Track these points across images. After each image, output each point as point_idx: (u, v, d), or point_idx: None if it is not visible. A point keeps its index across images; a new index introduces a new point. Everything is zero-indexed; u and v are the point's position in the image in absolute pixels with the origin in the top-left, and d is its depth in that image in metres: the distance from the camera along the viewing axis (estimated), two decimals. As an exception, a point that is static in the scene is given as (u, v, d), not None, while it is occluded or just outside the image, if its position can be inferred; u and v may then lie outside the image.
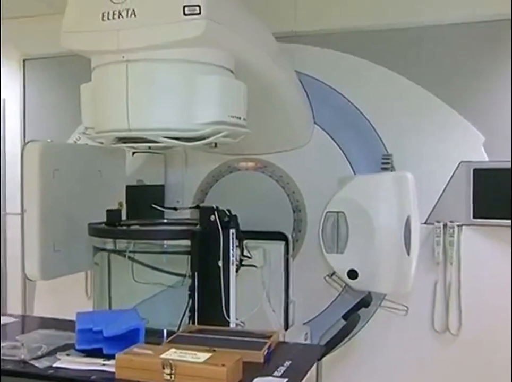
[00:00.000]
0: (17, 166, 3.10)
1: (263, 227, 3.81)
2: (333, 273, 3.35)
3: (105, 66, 2.52)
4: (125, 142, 2.69)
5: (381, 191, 3.14)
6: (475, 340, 3.55)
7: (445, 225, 3.58)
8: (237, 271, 2.91)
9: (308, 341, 3.73)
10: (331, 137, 3.82)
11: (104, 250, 2.89)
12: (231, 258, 2.77)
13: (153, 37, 2.37)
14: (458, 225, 3.57)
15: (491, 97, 3.53)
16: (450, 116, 3.59)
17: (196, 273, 2.72)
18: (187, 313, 2.74)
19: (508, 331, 3.45)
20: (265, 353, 2.10)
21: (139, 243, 2.88)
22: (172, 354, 1.93)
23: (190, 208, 3.15)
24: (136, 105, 2.44)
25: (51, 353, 2.12)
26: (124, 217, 3.48)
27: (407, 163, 3.64)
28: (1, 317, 2.60)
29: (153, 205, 3.08)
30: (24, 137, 4.35)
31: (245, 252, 2.94)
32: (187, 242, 2.74)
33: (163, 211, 3.75)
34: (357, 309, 3.15)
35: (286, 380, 1.92)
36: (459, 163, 3.58)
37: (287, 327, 3.81)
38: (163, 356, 1.90)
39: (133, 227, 3.06)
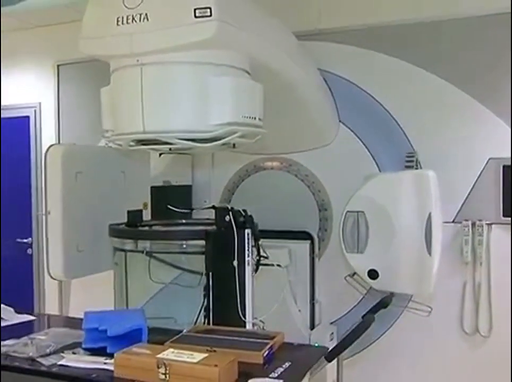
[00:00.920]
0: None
1: (288, 226, 3.81)
2: (354, 273, 3.31)
3: (121, 70, 2.59)
4: (144, 145, 2.75)
5: (401, 190, 3.08)
6: (506, 343, 3.44)
7: (473, 224, 3.49)
8: (256, 271, 2.93)
9: (334, 341, 3.70)
10: (356, 135, 3.78)
11: (122, 250, 2.94)
12: (246, 258, 2.78)
13: (165, 41, 2.41)
14: (487, 224, 3.47)
15: (522, 92, 3.42)
16: (478, 112, 3.50)
17: (210, 273, 2.75)
18: (202, 313, 2.78)
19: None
20: (265, 354, 2.11)
21: (157, 243, 2.92)
22: (169, 354, 1.96)
23: (205, 208, 3.17)
24: (151, 108, 2.49)
25: (59, 351, 2.19)
26: (148, 217, 3.56)
27: (434, 160, 3.55)
28: (19, 315, 2.70)
29: (169, 206, 3.11)
30: (59, 139, 4.50)
31: (262, 253, 2.93)
32: (204, 242, 2.77)
33: (190, 212, 3.82)
34: (376, 310, 3.10)
35: (281, 381, 1.92)
36: (488, 160, 3.48)
37: (312, 326, 3.80)
38: (159, 356, 1.93)
39: (150, 228, 3.11)
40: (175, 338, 2.24)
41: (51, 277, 3.12)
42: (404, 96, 3.67)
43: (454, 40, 3.56)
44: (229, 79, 2.55)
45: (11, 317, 2.73)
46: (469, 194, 3.53)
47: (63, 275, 3.10)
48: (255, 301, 2.98)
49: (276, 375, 1.98)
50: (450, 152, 3.56)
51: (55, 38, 4.38)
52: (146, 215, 3.54)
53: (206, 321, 2.74)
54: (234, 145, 2.87)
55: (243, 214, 2.82)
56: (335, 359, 3.21)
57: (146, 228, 3.08)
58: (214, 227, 2.83)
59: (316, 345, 2.83)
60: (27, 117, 4.63)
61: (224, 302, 2.73)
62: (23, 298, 4.68)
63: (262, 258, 2.94)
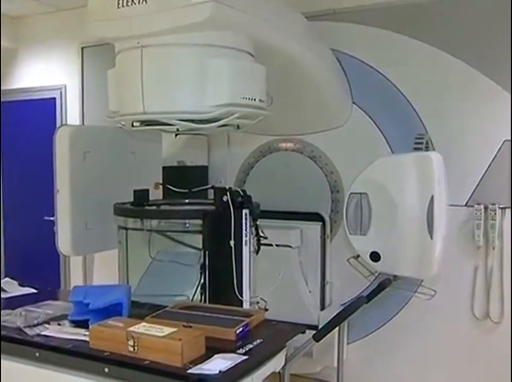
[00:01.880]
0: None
1: (301, 207, 3.83)
2: (358, 255, 3.29)
3: (124, 52, 2.67)
4: (147, 125, 2.82)
5: (404, 172, 3.03)
6: (517, 329, 3.38)
7: (486, 208, 3.41)
8: (257, 252, 2.96)
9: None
10: (370, 117, 3.75)
11: (124, 228, 3.03)
12: (244, 238, 2.81)
13: (163, 23, 2.47)
14: (501, 208, 3.39)
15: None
16: (494, 92, 3.40)
17: (207, 252, 2.80)
18: (199, 290, 2.84)
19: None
20: (239, 330, 2.15)
21: (158, 222, 2.99)
22: (140, 327, 2.03)
23: (204, 188, 3.23)
24: (151, 89, 2.56)
25: (46, 322, 2.29)
26: (160, 197, 3.64)
27: (448, 143, 3.50)
28: (22, 288, 2.83)
29: (168, 186, 3.17)
30: (83, 121, 4.63)
31: (260, 233, 2.95)
32: (203, 222, 2.82)
33: (206, 191, 3.87)
34: (377, 292, 3.07)
35: (246, 357, 1.96)
36: (503, 142, 3.39)
37: (323, 307, 3.82)
38: (130, 329, 2.00)
39: (158, 207, 3.18)
40: (155, 313, 2.30)
41: (60, 252, 3.24)
42: (419, 78, 3.60)
43: (472, 20, 3.45)
44: (227, 60, 2.58)
45: (14, 289, 2.86)
46: (482, 177, 3.45)
47: (71, 251, 3.22)
48: (261, 280, 3.04)
49: (244, 351, 2.02)
50: (464, 134, 3.49)
51: (79, 21, 4.48)
52: (158, 195, 3.63)
53: (202, 298, 2.80)
54: (238, 126, 2.91)
55: (241, 194, 2.85)
56: (336, 343, 3.25)
57: (154, 207, 3.17)
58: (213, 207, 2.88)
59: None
60: (54, 99, 4.79)
61: (221, 281, 2.78)
62: (51, 273, 4.88)
63: (262, 239, 2.97)
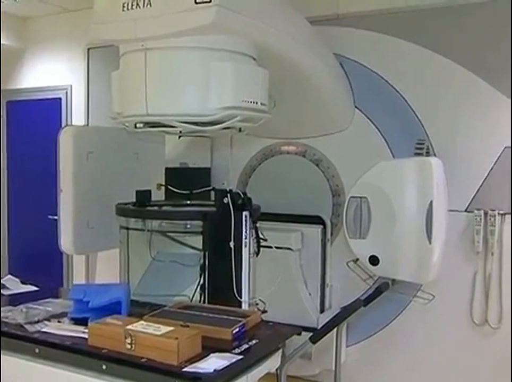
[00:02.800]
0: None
1: (302, 210, 3.86)
2: (357, 259, 3.32)
3: (128, 54, 2.70)
4: (151, 127, 2.85)
5: (403, 177, 3.06)
6: (515, 336, 3.39)
7: (486, 214, 3.43)
8: (257, 254, 2.99)
9: (341, 326, 3.72)
10: (371, 121, 3.77)
11: (125, 228, 3.06)
12: (243, 240, 2.84)
13: (167, 26, 2.50)
14: (500, 214, 3.41)
15: (539, 79, 3.32)
16: (494, 98, 3.42)
17: (207, 253, 2.83)
18: (199, 291, 2.87)
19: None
20: (235, 331, 2.17)
21: (158, 222, 3.02)
22: (138, 326, 2.06)
23: (204, 190, 3.26)
24: (154, 91, 2.59)
25: (46, 319, 2.33)
26: (162, 198, 3.67)
27: (449, 148, 3.52)
28: (24, 286, 2.87)
29: (170, 187, 3.20)
30: (88, 121, 4.67)
31: (260, 235, 2.98)
32: (204, 223, 2.85)
33: (208, 193, 3.89)
34: (375, 296, 3.10)
35: (241, 357, 1.99)
36: (504, 149, 3.41)
37: (322, 310, 3.84)
38: (128, 327, 2.03)
39: (159, 208, 3.21)
40: (154, 312, 2.33)
41: (62, 251, 3.27)
42: (420, 82, 3.62)
43: (472, 26, 3.47)
44: (230, 64, 2.60)
45: (16, 287, 2.90)
46: (483, 183, 3.46)
47: (73, 250, 3.26)
48: (261, 282, 3.07)
49: (239, 351, 2.05)
50: (465, 139, 3.50)
51: (86, 22, 4.53)
52: (160, 196, 3.66)
53: (202, 298, 2.83)
54: (240, 129, 2.94)
55: (242, 196, 2.88)
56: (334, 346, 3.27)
57: (155, 208, 3.20)
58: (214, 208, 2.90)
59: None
60: (59, 99, 4.84)
61: (221, 282, 2.81)
62: (54, 272, 4.92)
63: (262, 241, 3.00)
